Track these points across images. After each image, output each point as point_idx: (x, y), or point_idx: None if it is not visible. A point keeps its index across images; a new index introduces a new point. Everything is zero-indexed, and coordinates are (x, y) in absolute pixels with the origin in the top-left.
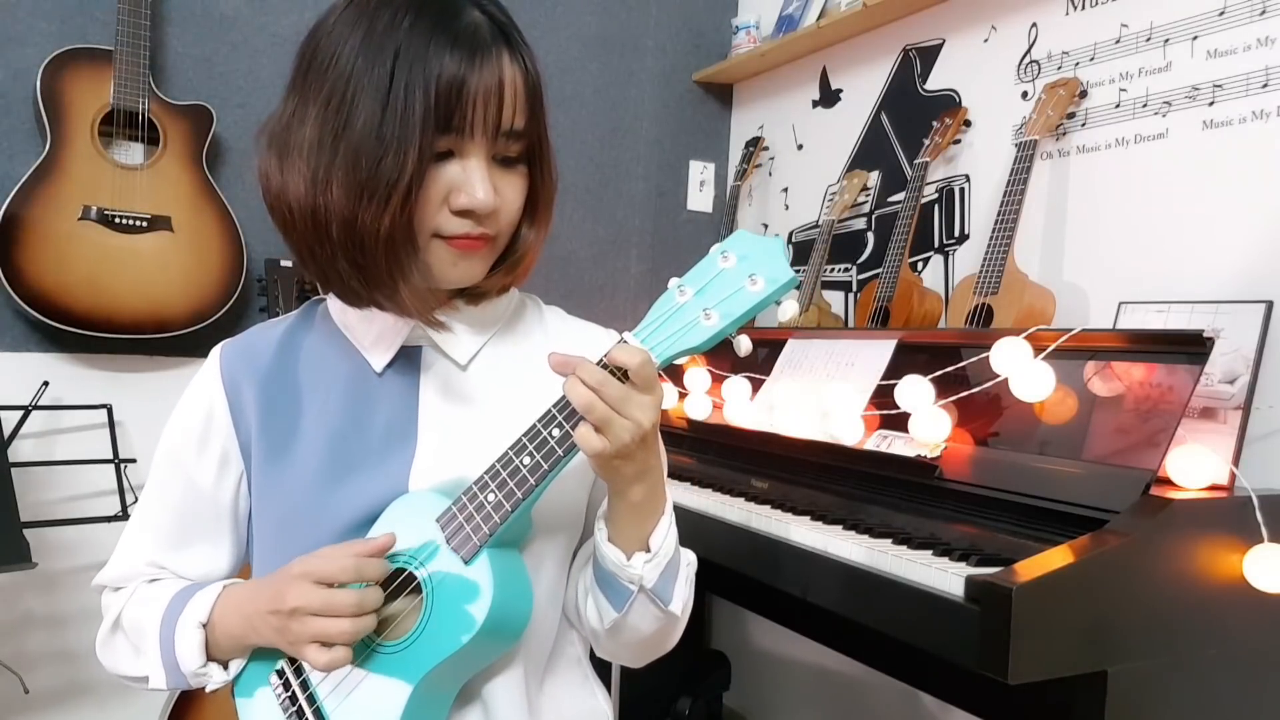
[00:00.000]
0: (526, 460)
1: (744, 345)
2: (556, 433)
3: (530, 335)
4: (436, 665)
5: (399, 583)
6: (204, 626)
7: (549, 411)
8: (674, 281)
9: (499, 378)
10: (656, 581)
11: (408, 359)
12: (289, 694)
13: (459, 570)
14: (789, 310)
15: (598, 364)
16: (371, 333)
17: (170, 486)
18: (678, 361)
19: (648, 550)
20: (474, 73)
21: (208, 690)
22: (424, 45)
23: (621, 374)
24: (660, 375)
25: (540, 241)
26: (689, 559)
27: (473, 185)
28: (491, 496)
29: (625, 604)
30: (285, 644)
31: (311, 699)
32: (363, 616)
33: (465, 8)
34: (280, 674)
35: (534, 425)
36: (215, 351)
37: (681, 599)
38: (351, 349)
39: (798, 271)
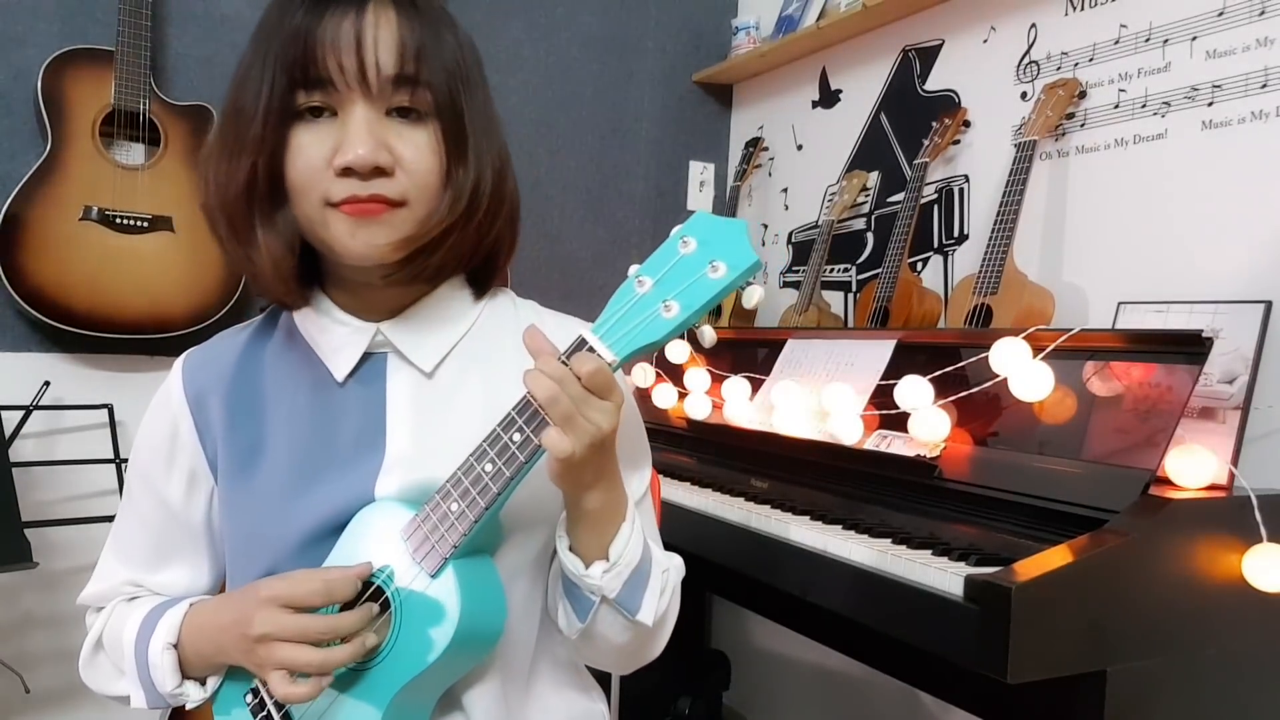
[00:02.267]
0: (488, 467)
1: (708, 336)
2: (517, 437)
3: (501, 337)
4: (407, 682)
5: (367, 597)
6: (174, 647)
7: (509, 415)
8: (633, 270)
9: (468, 382)
10: (620, 591)
11: (372, 367)
12: (264, 714)
13: (425, 585)
14: (754, 295)
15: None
16: (333, 340)
17: (142, 505)
18: (677, 360)
19: (607, 559)
20: (322, 21)
21: (188, 708)
22: (282, 12)
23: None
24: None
25: (458, 212)
26: (666, 565)
27: (348, 139)
28: (454, 506)
29: (589, 614)
30: (253, 667)
31: (287, 717)
32: (337, 648)
33: None
34: (255, 693)
35: (494, 430)
36: (177, 365)
37: (652, 609)
38: (314, 357)
39: (798, 271)
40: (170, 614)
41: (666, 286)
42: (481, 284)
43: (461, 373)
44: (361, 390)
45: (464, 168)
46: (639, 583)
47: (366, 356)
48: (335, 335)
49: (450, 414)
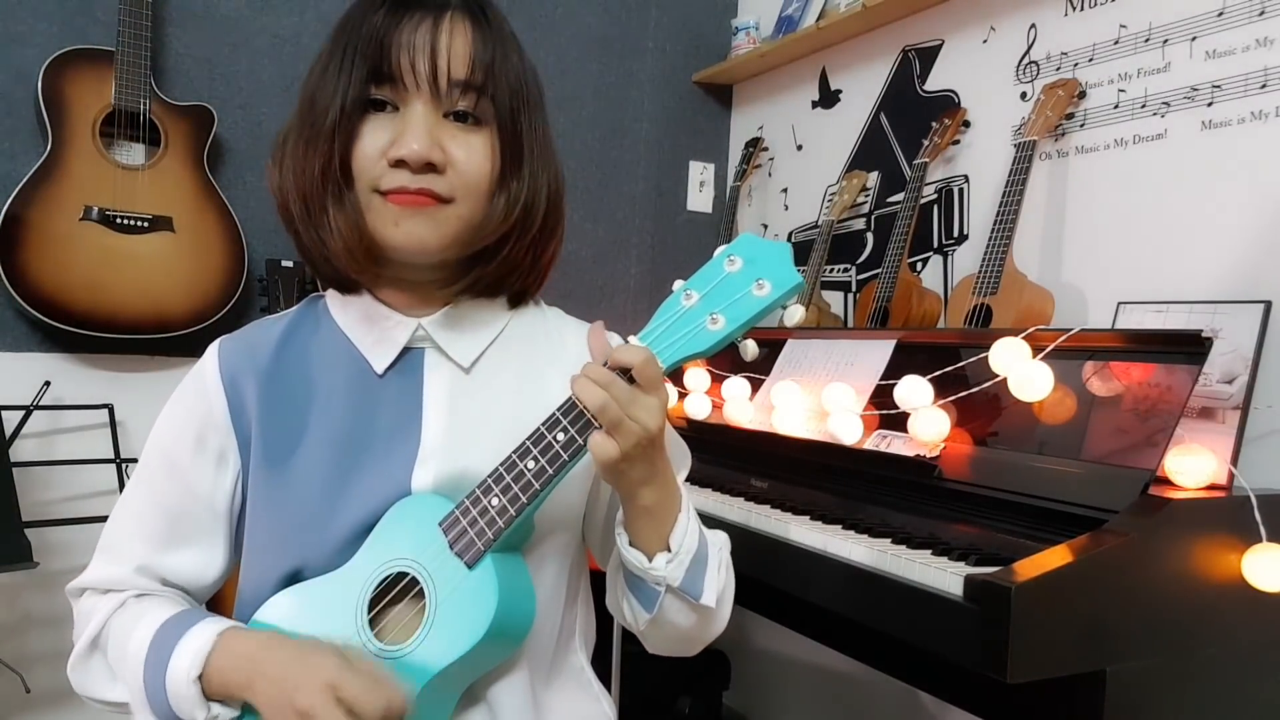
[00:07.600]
0: (530, 464)
1: (750, 350)
2: (561, 437)
3: (534, 336)
4: (440, 671)
5: (401, 587)
6: (199, 679)
7: (553, 415)
8: (679, 284)
9: (503, 379)
10: (683, 579)
11: (410, 361)
12: None
13: (462, 575)
14: (795, 314)
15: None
16: (373, 333)
17: (161, 487)
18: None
19: (669, 550)
20: (402, 23)
21: None
22: (365, 12)
23: (625, 376)
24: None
25: (511, 222)
26: (719, 543)
27: (405, 133)
28: (495, 501)
29: (655, 604)
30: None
31: None
32: None
33: None
34: None
35: (538, 429)
36: (213, 348)
37: (714, 590)
38: (353, 350)
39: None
40: (192, 639)
41: (713, 301)
42: (519, 297)
43: (495, 370)
44: (400, 382)
45: (518, 180)
46: (700, 568)
47: (405, 350)
48: (377, 329)
49: (484, 408)
